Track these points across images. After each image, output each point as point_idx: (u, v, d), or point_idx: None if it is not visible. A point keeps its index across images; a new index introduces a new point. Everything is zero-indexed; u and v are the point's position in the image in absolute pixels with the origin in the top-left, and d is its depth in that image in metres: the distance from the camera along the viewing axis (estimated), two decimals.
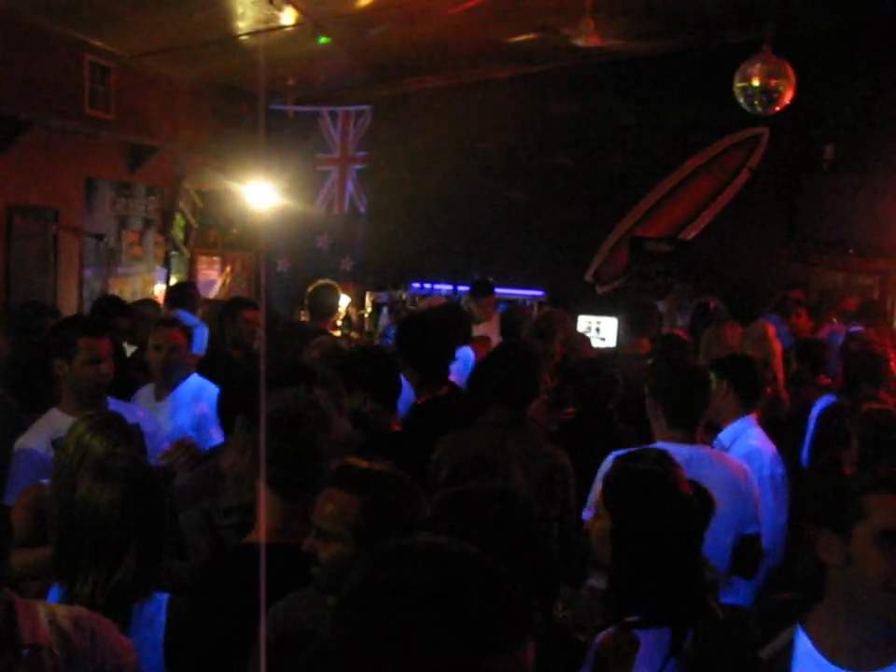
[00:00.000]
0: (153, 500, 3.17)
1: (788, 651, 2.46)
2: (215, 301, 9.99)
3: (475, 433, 4.57)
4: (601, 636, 2.89)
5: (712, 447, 4.72)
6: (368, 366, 4.85)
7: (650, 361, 6.10)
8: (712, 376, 4.90)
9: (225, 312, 7.11)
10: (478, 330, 8.41)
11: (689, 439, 4.26)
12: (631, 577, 2.91)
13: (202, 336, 7.59)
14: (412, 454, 4.32)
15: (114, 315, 7.05)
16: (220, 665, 2.93)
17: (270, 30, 8.33)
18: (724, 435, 5.01)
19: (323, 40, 9.05)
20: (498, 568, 1.47)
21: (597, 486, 4.13)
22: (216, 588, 3.12)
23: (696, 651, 2.72)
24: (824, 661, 2.42)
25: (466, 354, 6.83)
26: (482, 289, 9.00)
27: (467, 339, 7.06)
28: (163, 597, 3.08)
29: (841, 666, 2.40)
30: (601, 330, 10.60)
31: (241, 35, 8.69)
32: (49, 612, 2.51)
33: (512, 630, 1.41)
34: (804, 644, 2.46)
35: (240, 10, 8.06)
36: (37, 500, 3.74)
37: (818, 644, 2.44)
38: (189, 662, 3.00)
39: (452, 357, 5.71)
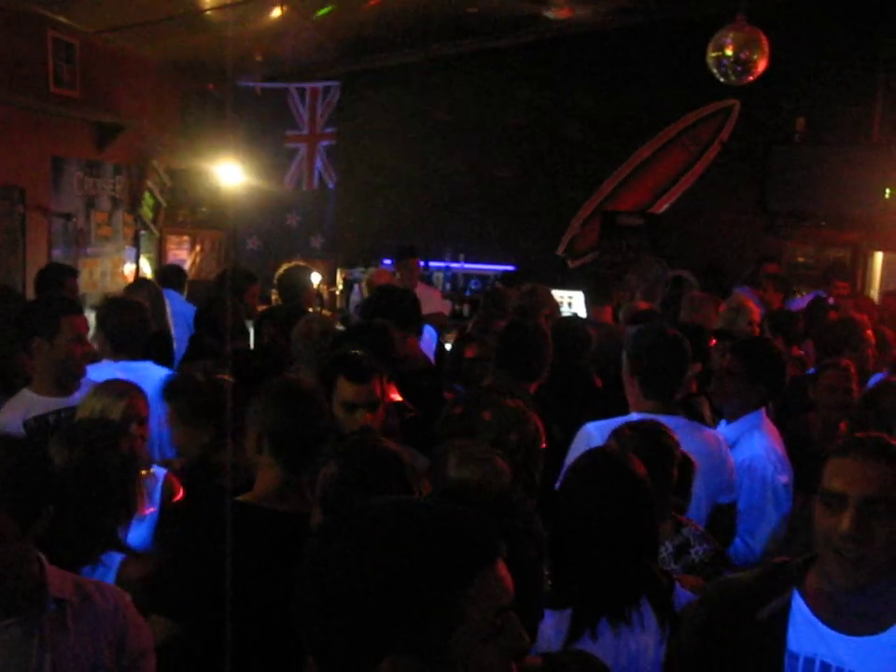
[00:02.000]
0: (95, 464, 3.19)
1: (784, 613, 2.47)
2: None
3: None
4: None
5: None
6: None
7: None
8: (734, 364, 4.83)
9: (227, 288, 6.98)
10: None
11: (664, 409, 4.21)
12: (555, 556, 2.89)
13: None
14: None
15: (63, 278, 7.05)
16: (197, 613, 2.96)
17: (236, 4, 8.24)
18: (730, 431, 4.78)
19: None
20: (457, 507, 1.62)
21: (570, 460, 4.11)
22: (200, 542, 3.13)
23: (691, 612, 2.71)
24: (820, 624, 2.44)
25: (429, 330, 6.87)
26: (403, 253, 9.13)
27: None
28: (116, 559, 3.10)
29: (837, 630, 2.42)
30: (573, 305, 10.60)
31: (207, 10, 8.60)
32: (75, 577, 2.72)
33: (484, 551, 1.53)
34: (799, 607, 2.47)
35: None
36: None
37: (813, 607, 2.46)
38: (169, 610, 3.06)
39: None
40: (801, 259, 11.65)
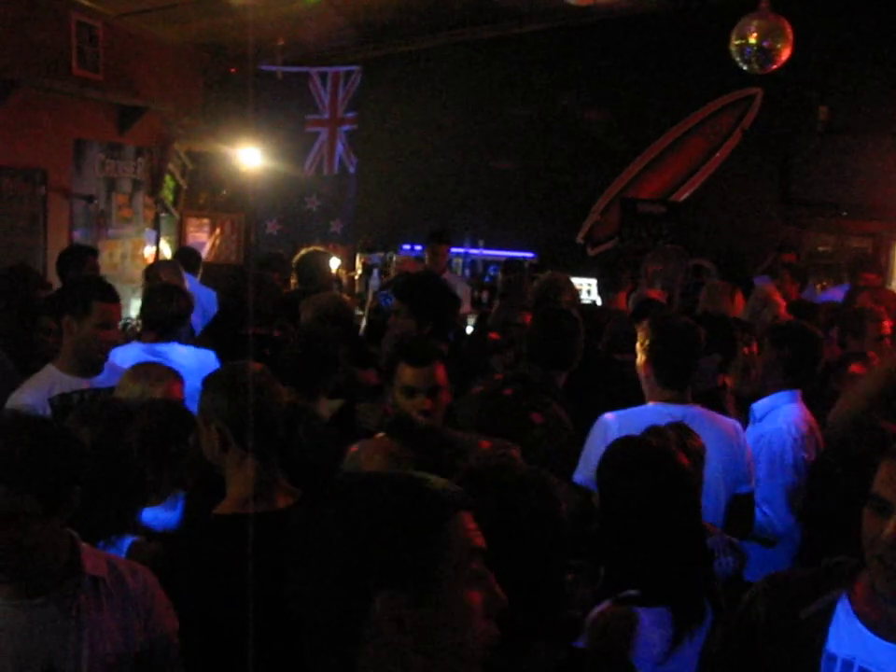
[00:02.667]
0: (111, 444, 3.20)
1: (828, 614, 2.43)
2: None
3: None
4: (597, 609, 2.82)
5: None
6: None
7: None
8: (765, 343, 4.87)
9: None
10: None
11: (680, 398, 4.22)
12: (626, 553, 2.86)
13: (210, 300, 7.63)
14: None
15: (84, 257, 7.11)
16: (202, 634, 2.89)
17: None
18: (759, 405, 4.85)
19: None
20: (422, 473, 1.83)
21: (588, 451, 4.11)
22: (202, 561, 3.03)
23: (742, 604, 2.70)
24: (863, 629, 2.38)
25: None
26: (435, 237, 9.32)
27: None
28: (126, 542, 3.10)
29: (880, 635, 2.36)
30: (592, 292, 10.57)
31: None
32: (107, 556, 2.80)
33: (450, 502, 1.74)
34: (844, 609, 2.42)
35: None
36: None
37: (857, 611, 2.40)
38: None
39: None
40: (821, 249, 11.59)
